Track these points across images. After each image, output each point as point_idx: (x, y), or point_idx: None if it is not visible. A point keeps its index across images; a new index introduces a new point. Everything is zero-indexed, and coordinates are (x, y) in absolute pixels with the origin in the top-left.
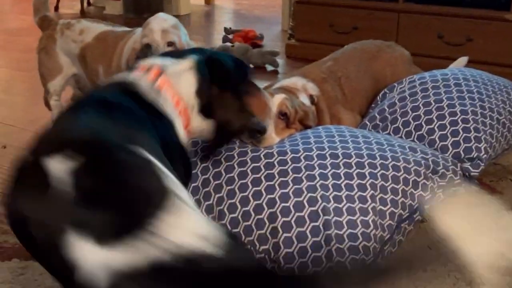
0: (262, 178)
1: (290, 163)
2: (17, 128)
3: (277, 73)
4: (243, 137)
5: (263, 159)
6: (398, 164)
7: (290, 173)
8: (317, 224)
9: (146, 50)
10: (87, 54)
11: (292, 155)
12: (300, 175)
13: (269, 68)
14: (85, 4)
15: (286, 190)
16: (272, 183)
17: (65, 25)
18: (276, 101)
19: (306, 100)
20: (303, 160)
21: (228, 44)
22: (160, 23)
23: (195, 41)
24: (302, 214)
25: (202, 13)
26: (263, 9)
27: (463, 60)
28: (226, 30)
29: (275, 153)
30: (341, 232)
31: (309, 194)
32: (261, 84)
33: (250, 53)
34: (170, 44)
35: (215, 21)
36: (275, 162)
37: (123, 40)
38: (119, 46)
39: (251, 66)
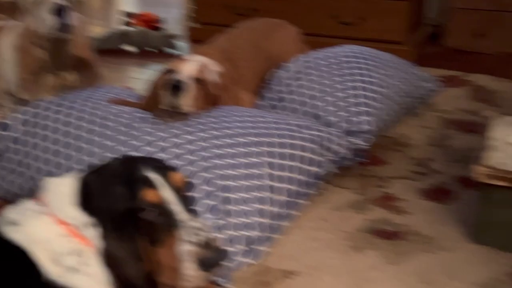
0: None
1: None
2: None
3: (176, 56)
4: None
5: None
6: (294, 142)
7: None
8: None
9: None
10: None
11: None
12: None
13: (168, 51)
14: None
15: None
16: None
17: None
18: (192, 66)
19: (215, 76)
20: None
21: (128, 28)
22: None
23: (95, 25)
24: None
25: None
26: None
27: None
28: (126, 14)
29: None
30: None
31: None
32: (159, 68)
33: (150, 36)
34: None
35: (115, 3)
36: None
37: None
38: None
39: (151, 49)
